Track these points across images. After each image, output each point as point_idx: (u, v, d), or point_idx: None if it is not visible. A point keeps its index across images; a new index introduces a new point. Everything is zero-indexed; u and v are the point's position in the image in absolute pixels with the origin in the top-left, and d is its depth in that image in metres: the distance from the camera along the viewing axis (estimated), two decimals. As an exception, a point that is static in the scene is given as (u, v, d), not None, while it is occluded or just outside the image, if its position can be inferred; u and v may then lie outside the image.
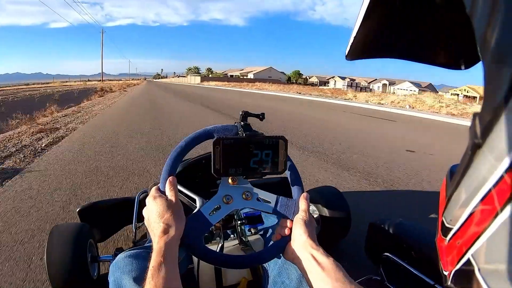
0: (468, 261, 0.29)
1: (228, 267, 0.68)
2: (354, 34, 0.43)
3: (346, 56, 0.47)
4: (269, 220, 0.95)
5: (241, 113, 0.75)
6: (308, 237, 0.63)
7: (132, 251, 0.78)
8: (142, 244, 0.97)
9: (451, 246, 0.32)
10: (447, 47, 0.43)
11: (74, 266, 1.15)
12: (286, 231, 0.67)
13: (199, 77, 78.83)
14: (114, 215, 1.59)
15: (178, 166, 0.70)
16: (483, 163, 0.27)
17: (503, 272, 0.26)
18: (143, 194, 1.48)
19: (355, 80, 79.45)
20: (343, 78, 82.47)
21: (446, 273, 0.33)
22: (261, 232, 0.90)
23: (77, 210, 1.49)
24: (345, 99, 19.07)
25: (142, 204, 1.44)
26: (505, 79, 0.25)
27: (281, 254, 0.69)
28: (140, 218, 1.42)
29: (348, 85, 70.54)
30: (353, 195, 2.60)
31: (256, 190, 0.71)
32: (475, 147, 0.28)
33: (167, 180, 0.66)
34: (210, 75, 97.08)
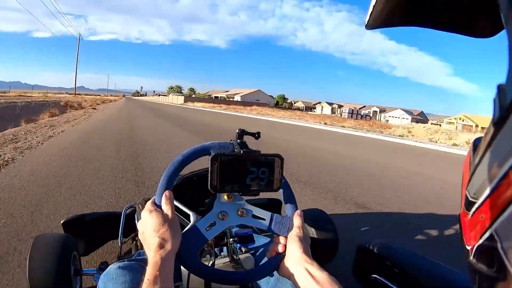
0: (491, 236, 0.28)
1: (224, 283, 0.67)
2: (373, 3, 0.44)
3: (366, 25, 0.47)
4: (260, 240, 0.95)
5: (237, 131, 0.77)
6: (303, 253, 0.63)
7: (124, 262, 0.76)
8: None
9: (474, 220, 0.31)
10: (470, 13, 0.43)
11: (57, 277, 1.11)
12: (281, 248, 0.68)
13: (182, 96, 75.16)
14: (99, 229, 1.56)
15: (175, 181, 0.70)
16: (508, 136, 0.27)
17: None
18: (129, 209, 1.47)
19: (342, 106, 79.69)
20: (330, 104, 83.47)
21: (468, 247, 0.33)
22: (252, 251, 0.89)
23: (62, 222, 1.47)
24: (397, 135, 14.53)
25: (128, 218, 1.42)
26: None
27: (275, 272, 0.70)
28: (126, 233, 1.41)
29: (340, 112, 70.34)
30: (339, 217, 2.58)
31: (251, 207, 0.72)
32: (499, 120, 0.28)
33: (163, 194, 0.66)
34: (193, 95, 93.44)
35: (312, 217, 1.68)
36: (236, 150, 0.72)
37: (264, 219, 0.71)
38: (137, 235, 1.38)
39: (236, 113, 28.15)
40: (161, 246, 0.57)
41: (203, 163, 0.78)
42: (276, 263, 0.68)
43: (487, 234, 0.29)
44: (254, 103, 55.89)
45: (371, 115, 68.86)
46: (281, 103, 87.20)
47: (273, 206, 1.77)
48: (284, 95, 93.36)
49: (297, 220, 0.71)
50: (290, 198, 0.77)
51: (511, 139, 0.27)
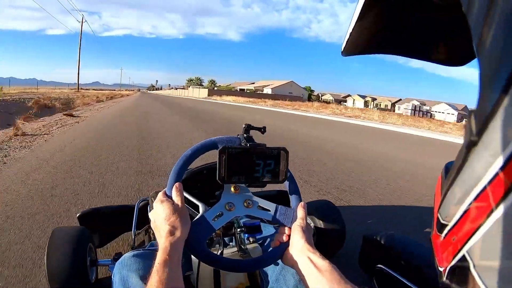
0: (463, 257, 0.29)
1: (230, 270, 0.71)
2: (350, 30, 0.45)
3: (341, 52, 0.48)
4: (267, 230, 0.97)
5: (244, 126, 0.79)
6: (306, 242, 0.66)
7: (137, 251, 0.82)
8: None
9: (446, 243, 0.32)
10: (443, 43, 0.44)
11: (73, 268, 1.16)
12: (285, 238, 0.71)
13: (205, 89, 64.70)
14: (113, 222, 1.62)
15: (184, 173, 0.73)
16: (478, 160, 0.28)
17: (498, 269, 0.26)
18: (142, 202, 1.53)
19: (375, 99, 71.66)
20: (363, 97, 75.03)
21: (441, 269, 0.34)
22: (260, 241, 0.92)
23: (77, 215, 1.53)
24: None
25: (141, 211, 1.48)
26: (501, 78, 0.25)
27: (279, 261, 0.72)
28: (139, 226, 1.47)
29: (374, 106, 61.13)
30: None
31: (256, 198, 0.75)
32: (470, 144, 0.28)
33: (173, 185, 0.69)
34: (214, 88, 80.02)
35: (320, 208, 1.71)
36: (243, 143, 0.74)
37: (269, 210, 0.74)
38: (149, 227, 1.45)
39: (301, 112, 18.94)
40: (171, 233, 0.61)
41: (212, 157, 0.79)
42: (280, 252, 0.70)
43: (459, 256, 0.30)
44: (287, 96, 49.23)
45: (409, 110, 57.33)
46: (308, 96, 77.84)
47: (282, 198, 1.79)
48: (310, 87, 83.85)
49: (300, 212, 0.74)
50: (294, 190, 0.79)
51: (481, 163, 0.27)
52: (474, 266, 0.28)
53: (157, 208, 0.67)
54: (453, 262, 0.31)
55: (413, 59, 0.46)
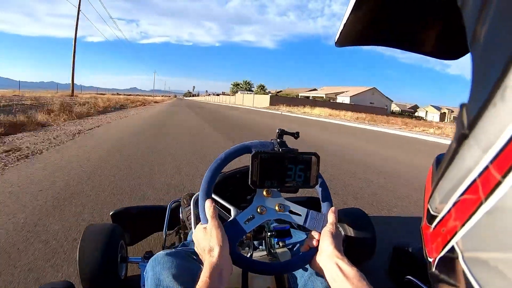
0: (452, 248, 0.29)
1: (260, 273, 0.72)
2: (344, 21, 0.45)
3: (335, 42, 0.49)
4: (297, 235, 0.98)
5: (277, 131, 0.81)
6: (335, 248, 0.66)
7: (170, 250, 0.84)
8: None
9: (435, 234, 0.32)
10: (437, 36, 0.43)
11: (105, 263, 1.20)
12: (315, 243, 0.71)
13: (267, 96, 43.02)
14: (144, 221, 1.66)
15: (217, 177, 0.75)
16: (469, 153, 0.28)
17: (485, 260, 0.26)
18: (174, 203, 1.56)
19: (453, 111, 59.99)
20: (437, 108, 64.58)
21: (430, 259, 0.34)
22: (289, 246, 0.93)
23: (110, 214, 1.58)
24: None
25: (173, 212, 1.52)
26: (493, 72, 0.26)
27: (308, 266, 0.74)
28: (170, 226, 1.50)
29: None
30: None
31: (288, 203, 0.75)
32: (461, 138, 0.29)
33: (205, 199, 0.71)
34: (269, 94, 54.41)
35: (351, 216, 1.67)
36: (275, 148, 0.76)
37: (300, 215, 0.74)
38: (180, 228, 1.49)
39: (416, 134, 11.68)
40: (210, 253, 0.63)
41: (243, 161, 0.76)
42: (309, 256, 0.71)
43: (448, 247, 0.30)
44: (369, 107, 41.83)
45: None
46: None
47: (313, 204, 1.78)
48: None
49: (331, 217, 0.74)
50: (326, 195, 0.80)
51: (472, 155, 0.28)
52: (462, 257, 0.28)
53: (195, 235, 0.71)
54: (442, 253, 0.31)
55: (406, 51, 0.46)
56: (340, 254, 0.64)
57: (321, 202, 0.80)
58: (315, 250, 0.70)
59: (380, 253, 1.69)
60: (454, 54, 0.43)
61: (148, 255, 1.28)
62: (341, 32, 0.47)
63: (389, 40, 0.48)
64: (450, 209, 0.30)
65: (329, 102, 46.36)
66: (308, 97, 58.30)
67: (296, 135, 0.84)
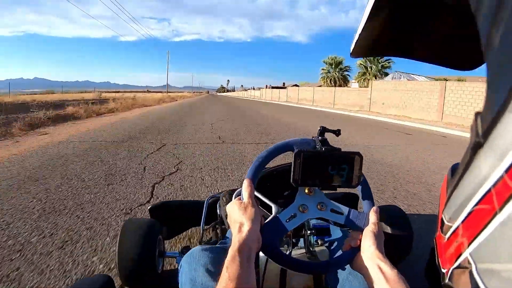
0: (466, 259, 0.29)
1: (299, 271, 0.72)
2: (359, 32, 0.45)
3: (350, 54, 0.49)
4: (336, 234, 0.97)
5: (319, 128, 0.80)
6: (377, 249, 0.65)
7: (207, 246, 0.84)
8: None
9: (449, 244, 0.31)
10: (452, 47, 0.42)
11: (143, 257, 1.22)
12: (356, 243, 0.70)
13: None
14: (182, 216, 1.68)
15: (262, 169, 0.76)
16: (483, 162, 0.27)
17: (499, 272, 0.26)
18: (212, 199, 1.57)
19: None
20: None
21: (444, 270, 0.33)
22: (327, 244, 0.93)
23: (148, 208, 1.61)
24: None
25: (210, 208, 1.53)
26: (508, 80, 0.25)
27: (347, 266, 0.72)
28: (208, 222, 1.51)
29: None
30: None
31: (329, 201, 0.75)
32: (476, 146, 0.28)
33: (247, 179, 0.72)
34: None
35: (388, 213, 1.63)
36: (317, 147, 0.75)
37: (342, 214, 0.73)
38: (217, 224, 1.47)
39: None
40: (240, 229, 0.64)
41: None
42: (350, 256, 0.70)
43: (462, 258, 0.29)
44: None
45: None
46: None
47: (349, 200, 1.75)
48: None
49: (373, 217, 0.72)
50: (367, 194, 0.79)
51: (486, 165, 0.27)
52: (476, 268, 0.28)
53: (229, 206, 0.72)
54: (456, 264, 0.30)
55: (421, 62, 0.44)
56: (382, 256, 0.63)
57: (362, 201, 0.78)
58: (356, 249, 0.69)
59: (416, 253, 1.64)
60: (469, 64, 0.42)
61: (185, 249, 1.29)
62: (356, 43, 0.47)
63: (402, 51, 0.47)
64: (464, 219, 0.29)
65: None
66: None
67: (337, 132, 0.82)
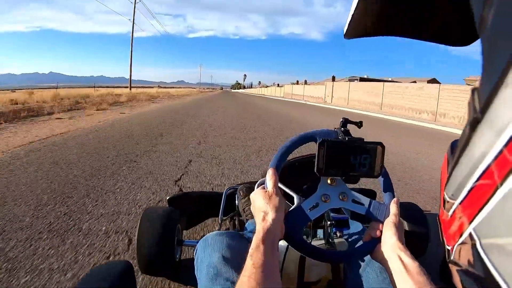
0: (470, 235, 0.29)
1: (319, 259, 0.73)
2: (352, 12, 0.44)
3: (344, 35, 0.48)
4: (353, 228, 0.98)
5: (341, 120, 0.81)
6: (398, 240, 0.66)
7: (222, 231, 0.85)
8: None
9: (452, 221, 0.31)
10: (446, 22, 0.41)
11: (162, 246, 1.24)
12: (377, 233, 0.71)
13: None
14: (200, 206, 1.70)
15: (285, 158, 0.78)
16: (482, 138, 0.28)
17: (503, 246, 0.26)
18: (230, 190, 1.60)
19: None
20: None
21: (448, 247, 0.33)
22: (346, 237, 0.94)
23: (167, 198, 1.63)
24: None
25: (228, 199, 1.56)
26: (503, 56, 0.25)
27: (365, 258, 0.75)
28: (226, 212, 1.53)
29: None
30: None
31: (351, 192, 0.75)
32: (474, 122, 0.28)
33: (271, 168, 0.74)
34: None
35: (405, 210, 1.60)
36: (340, 137, 0.75)
37: (363, 204, 0.74)
38: (235, 215, 1.52)
39: None
40: (264, 218, 0.65)
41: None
42: (371, 247, 0.71)
43: (465, 234, 0.29)
44: None
45: None
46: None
47: (367, 195, 1.73)
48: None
49: (394, 208, 0.73)
50: (388, 186, 0.79)
51: (485, 140, 0.27)
52: (480, 243, 0.28)
53: (253, 195, 0.71)
54: (460, 240, 0.30)
55: (416, 39, 0.44)
56: (403, 246, 0.63)
57: (383, 193, 0.79)
58: (377, 240, 0.70)
59: (431, 252, 1.60)
60: (464, 39, 0.41)
61: None
62: (349, 24, 0.47)
63: (398, 29, 0.47)
64: (466, 196, 0.29)
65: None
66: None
67: (359, 124, 0.83)
